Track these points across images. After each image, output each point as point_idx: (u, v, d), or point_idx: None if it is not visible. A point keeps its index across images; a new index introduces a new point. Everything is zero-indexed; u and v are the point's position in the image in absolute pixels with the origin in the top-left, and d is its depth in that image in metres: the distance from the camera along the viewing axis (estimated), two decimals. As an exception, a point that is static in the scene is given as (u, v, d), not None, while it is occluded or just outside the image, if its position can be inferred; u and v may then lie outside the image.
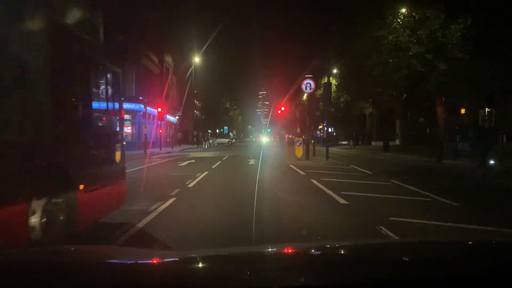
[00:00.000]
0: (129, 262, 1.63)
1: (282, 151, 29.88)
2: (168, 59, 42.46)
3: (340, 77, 46.01)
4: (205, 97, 75.97)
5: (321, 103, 30.76)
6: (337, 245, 2.09)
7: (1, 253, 1.91)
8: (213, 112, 79.81)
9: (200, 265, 1.56)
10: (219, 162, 17.83)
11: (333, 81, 56.09)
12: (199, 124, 79.67)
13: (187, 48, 46.72)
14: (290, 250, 1.91)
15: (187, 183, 9.99)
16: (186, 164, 16.95)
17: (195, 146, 43.21)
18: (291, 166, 15.11)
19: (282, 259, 1.73)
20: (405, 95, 28.82)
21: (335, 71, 53.78)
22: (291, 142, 36.32)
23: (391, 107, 32.58)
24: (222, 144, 59.88)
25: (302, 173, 12.50)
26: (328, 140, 53.33)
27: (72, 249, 2.02)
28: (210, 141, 69.53)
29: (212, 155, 24.75)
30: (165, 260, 1.63)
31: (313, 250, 1.92)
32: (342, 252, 1.90)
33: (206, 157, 22.70)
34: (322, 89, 42.84)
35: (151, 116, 34.43)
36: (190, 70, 46.32)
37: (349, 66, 33.68)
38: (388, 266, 1.51)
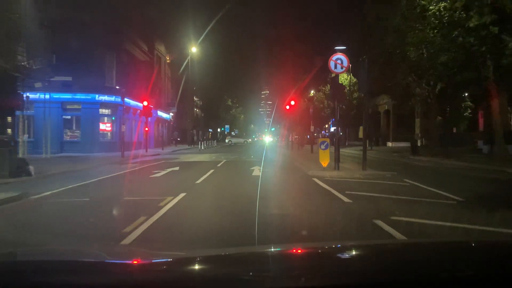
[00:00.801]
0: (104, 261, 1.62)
1: (292, 153, 24.66)
2: (161, 48, 37.36)
3: (357, 68, 40.46)
4: (205, 94, 71.26)
5: (347, 90, 25.52)
6: (339, 246, 2.10)
7: None
8: (214, 110, 74.70)
9: (197, 266, 1.50)
10: (211, 171, 12.70)
11: (344, 75, 51.11)
12: (199, 122, 74.73)
13: (184, 38, 41.72)
14: (293, 251, 1.88)
15: (130, 229, 4.85)
16: (162, 175, 11.83)
17: (191, 146, 38.09)
18: (317, 181, 9.93)
19: (284, 260, 1.67)
20: (439, 86, 23.80)
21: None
22: (300, 143, 31.08)
23: (421, 101, 27.26)
24: (229, 144, 54.91)
25: (343, 198, 7.28)
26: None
27: (66, 249, 2.23)
28: (226, 140, 64.12)
29: (205, 159, 19.65)
30: (153, 261, 1.58)
31: (315, 251, 1.89)
32: (344, 253, 1.85)
33: (197, 163, 17.59)
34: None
35: (138, 112, 29.40)
36: (187, 60, 41.21)
37: (372, 52, 28.62)
38: (389, 267, 1.47)
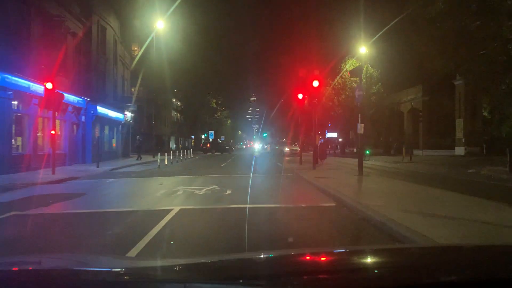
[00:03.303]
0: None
1: (329, 178, 12.72)
2: (108, 16, 25.54)
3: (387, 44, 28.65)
4: (185, 95, 59.75)
5: (364, 83, 13.79)
6: (328, 251, 2.05)
7: None
8: (196, 113, 62.84)
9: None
10: None
11: (356, 64, 39.93)
12: (178, 127, 62.83)
13: (152, 14, 30.04)
14: (280, 257, 1.80)
15: None
16: None
17: (139, 160, 26.02)
18: None
19: (269, 266, 1.58)
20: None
21: (363, 49, 37.55)
22: (321, 154, 19.34)
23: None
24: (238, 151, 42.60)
25: None
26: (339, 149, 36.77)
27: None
28: (277, 147, 45.86)
29: (130, 207, 7.79)
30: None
31: (300, 257, 1.79)
32: (332, 259, 1.75)
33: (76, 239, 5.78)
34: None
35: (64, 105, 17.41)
36: (150, 38, 29.35)
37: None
38: (372, 273, 1.43)
